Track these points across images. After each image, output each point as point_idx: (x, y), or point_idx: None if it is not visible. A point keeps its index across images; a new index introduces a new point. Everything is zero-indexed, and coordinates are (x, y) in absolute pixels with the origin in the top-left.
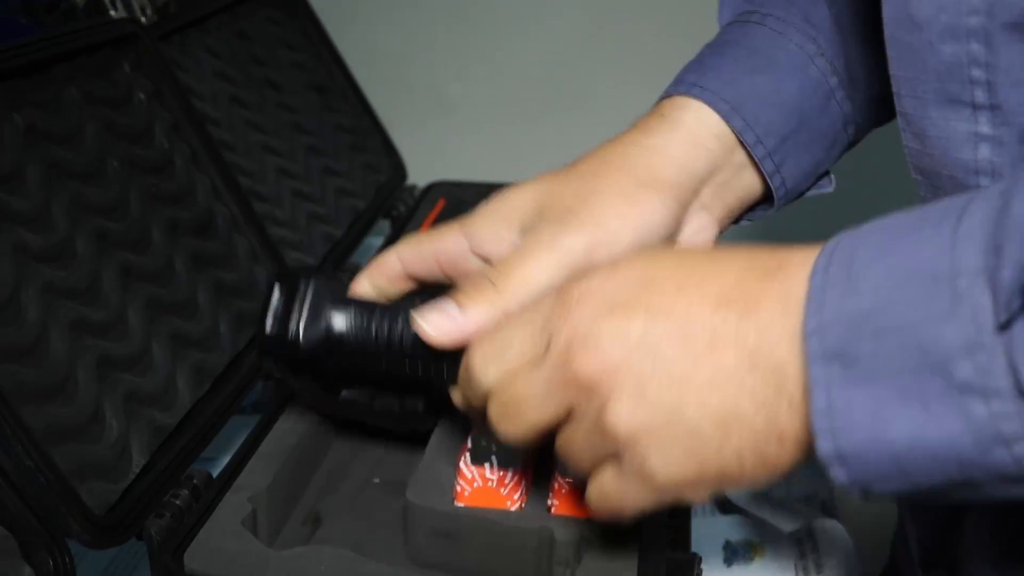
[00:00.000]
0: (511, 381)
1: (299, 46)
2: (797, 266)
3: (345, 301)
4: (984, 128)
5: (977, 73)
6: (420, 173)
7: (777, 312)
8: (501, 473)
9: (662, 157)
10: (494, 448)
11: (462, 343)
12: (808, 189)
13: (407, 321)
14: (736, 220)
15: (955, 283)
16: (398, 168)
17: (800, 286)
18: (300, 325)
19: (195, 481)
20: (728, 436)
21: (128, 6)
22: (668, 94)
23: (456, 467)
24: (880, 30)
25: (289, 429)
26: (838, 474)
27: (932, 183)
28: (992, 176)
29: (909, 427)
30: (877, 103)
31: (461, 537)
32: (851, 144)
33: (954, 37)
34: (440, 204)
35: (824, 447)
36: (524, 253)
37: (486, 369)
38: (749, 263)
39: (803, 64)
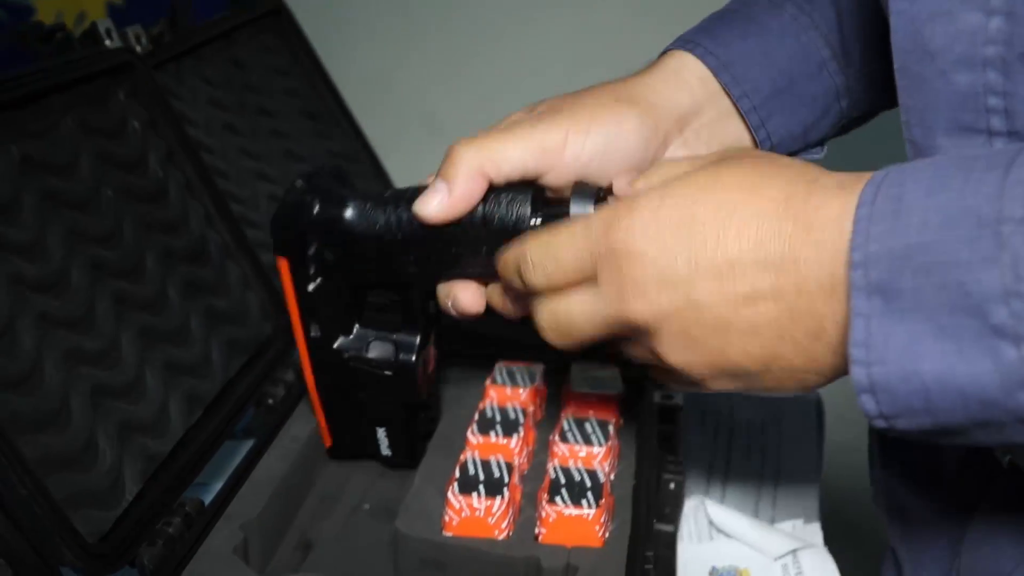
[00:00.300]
0: (561, 296)
1: (292, 72)
2: (835, 214)
3: (358, 190)
4: None
5: (994, 101)
6: None
7: (814, 265)
8: (489, 502)
9: (642, 85)
10: (482, 477)
11: (455, 214)
12: (797, 152)
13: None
14: None
15: (999, 229)
16: None
17: (838, 236)
18: (316, 200)
19: (187, 509)
20: (769, 371)
21: (124, 36)
22: (664, 52)
23: (444, 496)
24: (877, 13)
25: (281, 455)
26: (867, 404)
27: None
28: None
29: (941, 363)
30: (874, 82)
31: (450, 566)
32: (849, 120)
33: (970, 66)
34: None
35: (858, 376)
36: (504, 131)
37: (535, 271)
38: (787, 205)
39: (796, 33)
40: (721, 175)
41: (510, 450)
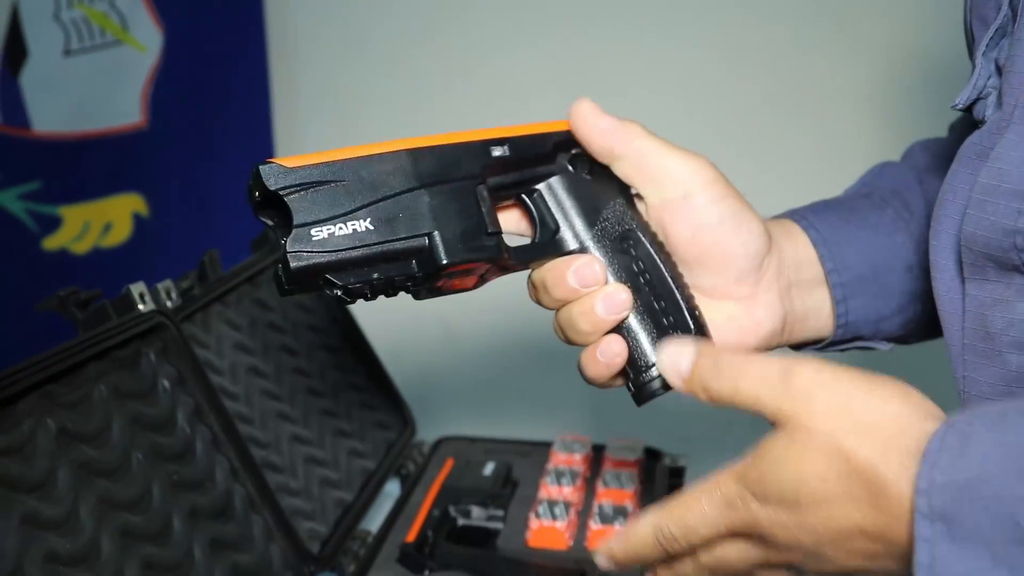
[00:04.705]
0: (709, 550)
1: (314, 308)
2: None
3: None
4: None
5: None
6: (428, 419)
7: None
8: None
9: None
10: None
11: (601, 142)
12: (866, 339)
13: None
14: (798, 347)
15: None
16: (407, 424)
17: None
18: None
19: None
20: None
21: (155, 296)
22: (775, 217)
23: None
24: None
25: None
26: None
27: None
28: None
29: None
30: None
31: None
32: (917, 328)
33: (1020, 350)
34: (448, 464)
35: None
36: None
37: (677, 543)
38: (873, 502)
39: (891, 232)
40: (805, 472)
41: None
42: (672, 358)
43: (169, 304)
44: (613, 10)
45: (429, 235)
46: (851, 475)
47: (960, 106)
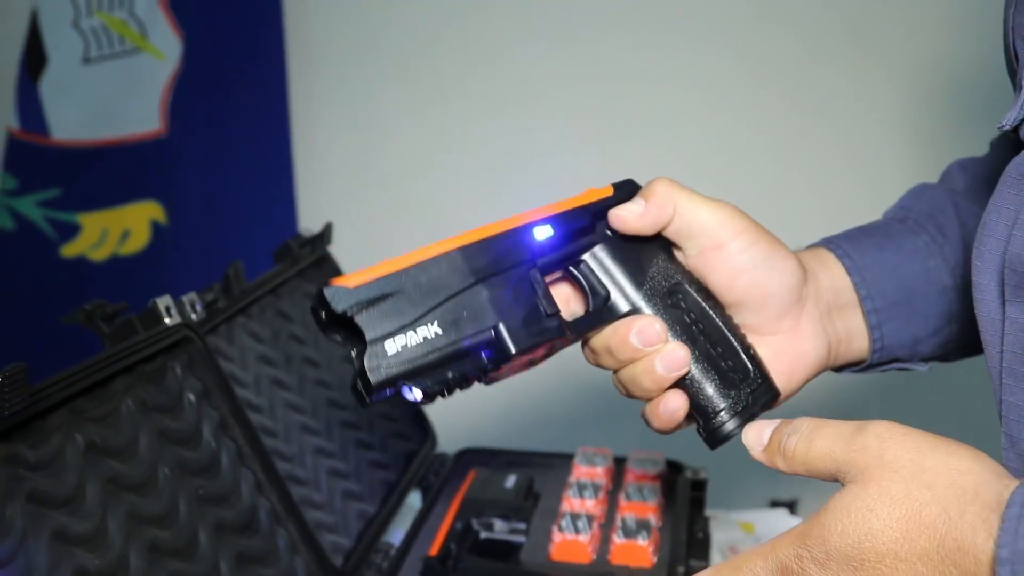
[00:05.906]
0: None
1: None
2: (987, 558)
3: None
4: None
5: None
6: (448, 430)
7: None
8: None
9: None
10: None
11: (641, 227)
12: (903, 360)
13: None
14: (839, 370)
15: None
16: (428, 435)
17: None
18: None
19: None
20: None
21: (181, 309)
22: (811, 246)
23: None
24: None
25: None
26: None
27: None
28: None
29: None
30: None
31: None
32: (956, 347)
33: None
34: (470, 476)
35: None
36: (703, 195)
37: None
38: (942, 558)
39: (925, 257)
40: (873, 525)
41: None
42: (756, 435)
43: (194, 317)
44: (630, 16)
45: (495, 327)
46: (922, 530)
47: (1007, 127)
